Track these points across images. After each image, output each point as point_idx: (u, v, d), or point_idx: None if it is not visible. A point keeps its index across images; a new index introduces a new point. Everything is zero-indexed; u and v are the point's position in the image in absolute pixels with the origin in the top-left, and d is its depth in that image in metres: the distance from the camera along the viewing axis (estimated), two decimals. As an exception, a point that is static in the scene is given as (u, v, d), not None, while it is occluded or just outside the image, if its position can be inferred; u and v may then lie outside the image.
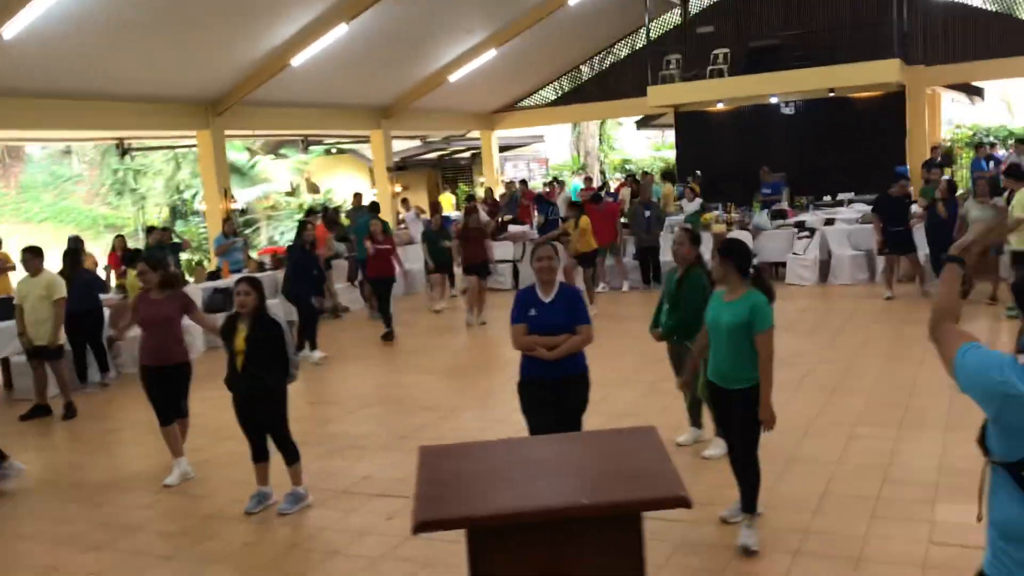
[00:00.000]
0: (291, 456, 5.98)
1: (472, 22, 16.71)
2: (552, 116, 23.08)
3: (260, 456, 6.04)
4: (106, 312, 10.40)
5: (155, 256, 8.52)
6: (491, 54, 17.93)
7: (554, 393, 5.05)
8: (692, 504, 2.86)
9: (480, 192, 22.45)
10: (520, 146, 28.54)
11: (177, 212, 26.23)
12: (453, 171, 28.18)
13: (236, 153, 24.87)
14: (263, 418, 5.91)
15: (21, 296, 8.72)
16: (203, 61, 13.23)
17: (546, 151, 31.22)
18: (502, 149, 25.12)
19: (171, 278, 7.13)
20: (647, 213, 14.18)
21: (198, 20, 11.89)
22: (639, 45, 20.86)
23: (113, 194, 27.74)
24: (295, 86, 14.96)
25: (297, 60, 13.96)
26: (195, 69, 13.38)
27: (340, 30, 13.61)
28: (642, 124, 24.21)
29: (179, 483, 6.64)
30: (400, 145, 23.05)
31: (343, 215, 16.45)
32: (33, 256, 8.78)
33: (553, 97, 22.31)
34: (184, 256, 16.38)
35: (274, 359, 5.81)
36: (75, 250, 10.65)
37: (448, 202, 22.82)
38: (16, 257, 10.05)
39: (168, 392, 6.70)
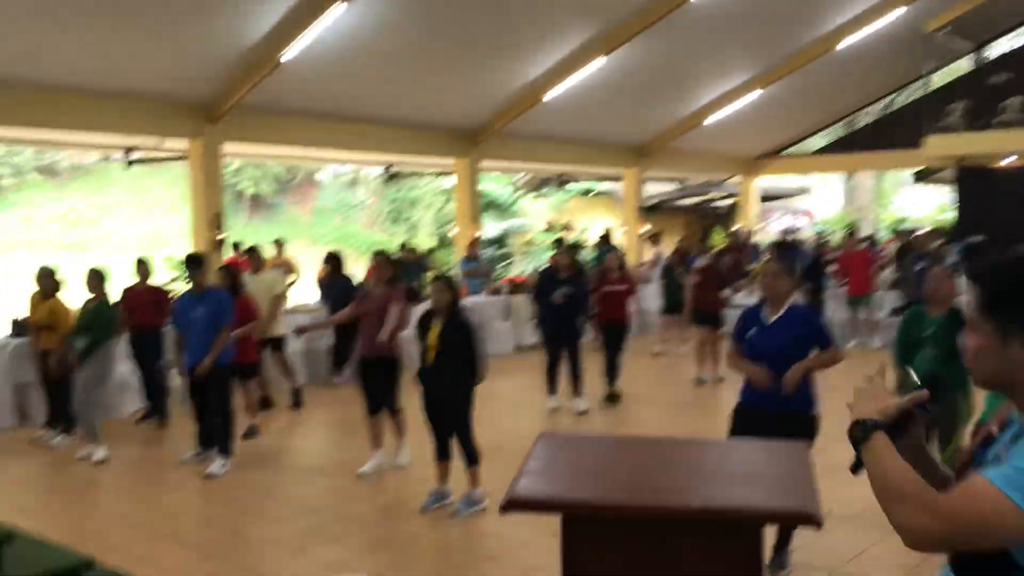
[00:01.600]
0: (471, 458, 5.95)
1: (736, 61, 16.31)
2: (820, 164, 21.95)
3: (442, 455, 6.08)
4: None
5: (388, 254, 8.70)
6: (755, 95, 17.38)
7: (769, 428, 4.32)
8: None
9: (718, 239, 21.65)
10: (784, 196, 27.41)
11: (443, 241, 27.65)
12: (711, 218, 27.54)
13: (499, 188, 25.89)
14: (447, 416, 5.95)
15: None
16: (463, 91, 13.83)
17: (812, 203, 29.79)
18: (764, 199, 24.23)
19: (396, 272, 7.39)
20: (919, 265, 12.76)
21: (459, 50, 12.46)
22: (919, 93, 19.41)
23: (389, 222, 29.77)
24: (550, 120, 15.26)
25: (552, 94, 14.24)
26: (456, 99, 14.01)
27: (598, 63, 13.73)
28: (920, 178, 22.44)
29: (372, 473, 6.82)
30: (656, 188, 22.89)
31: (586, 251, 16.48)
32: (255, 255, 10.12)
33: (821, 144, 21.24)
34: (430, 275, 17.15)
35: (462, 359, 5.85)
36: (338, 259, 11.41)
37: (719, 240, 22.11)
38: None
39: (376, 385, 6.91)
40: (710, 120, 17.81)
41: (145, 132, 11.73)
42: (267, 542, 5.51)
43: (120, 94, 10.75)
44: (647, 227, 19.13)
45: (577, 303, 9.17)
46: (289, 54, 10.74)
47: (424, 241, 28.09)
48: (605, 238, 16.03)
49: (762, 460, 2.95)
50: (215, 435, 7.10)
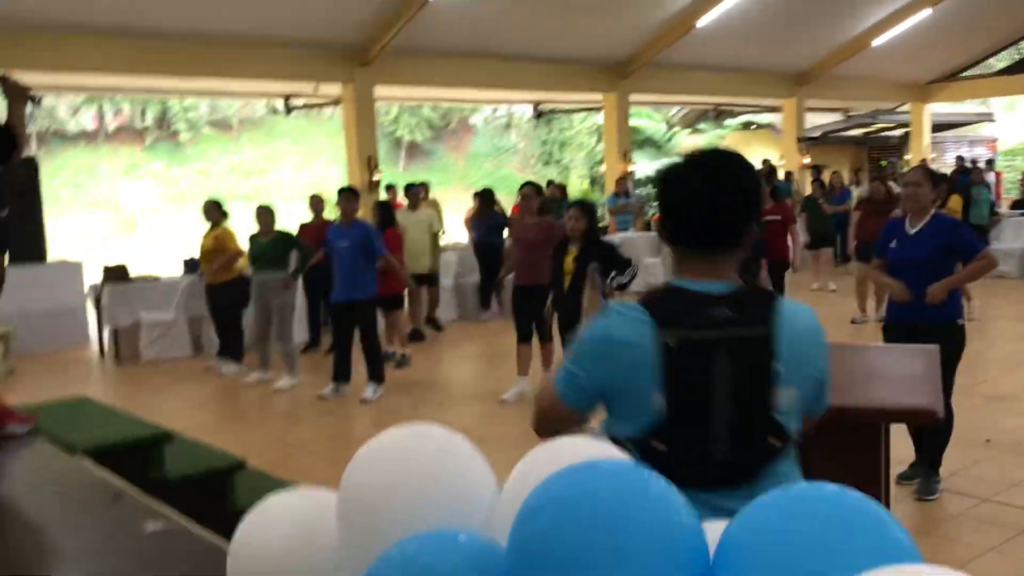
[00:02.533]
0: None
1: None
2: (1003, 87, 20.30)
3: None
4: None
5: (538, 185, 8.65)
6: (925, 14, 16.21)
7: (918, 340, 4.05)
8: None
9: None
10: (962, 124, 25.57)
11: (595, 182, 27.48)
12: (880, 150, 26.06)
13: (655, 125, 25.39)
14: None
15: (402, 227, 9.63)
16: (610, 23, 13.57)
17: (996, 131, 27.65)
18: (938, 128, 22.70)
19: (548, 205, 7.44)
20: None
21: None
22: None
23: (540, 164, 29.81)
24: (702, 48, 14.78)
25: (704, 20, 13.78)
26: (604, 30, 13.77)
27: (751, -12, 13.19)
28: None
29: (514, 400, 6.96)
30: (818, 120, 21.83)
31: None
32: (415, 191, 10.24)
33: (1003, 65, 19.62)
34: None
35: (613, 273, 5.83)
36: (488, 194, 11.62)
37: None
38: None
39: (528, 313, 7.01)
40: (877, 42, 16.77)
41: (301, 78, 12.19)
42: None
43: (277, 42, 11.19)
44: (807, 159, 18.35)
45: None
46: (431, -7, 10.85)
47: (575, 182, 28.03)
48: (769, 173, 15.47)
49: (888, 362, 2.82)
50: (368, 363, 7.39)
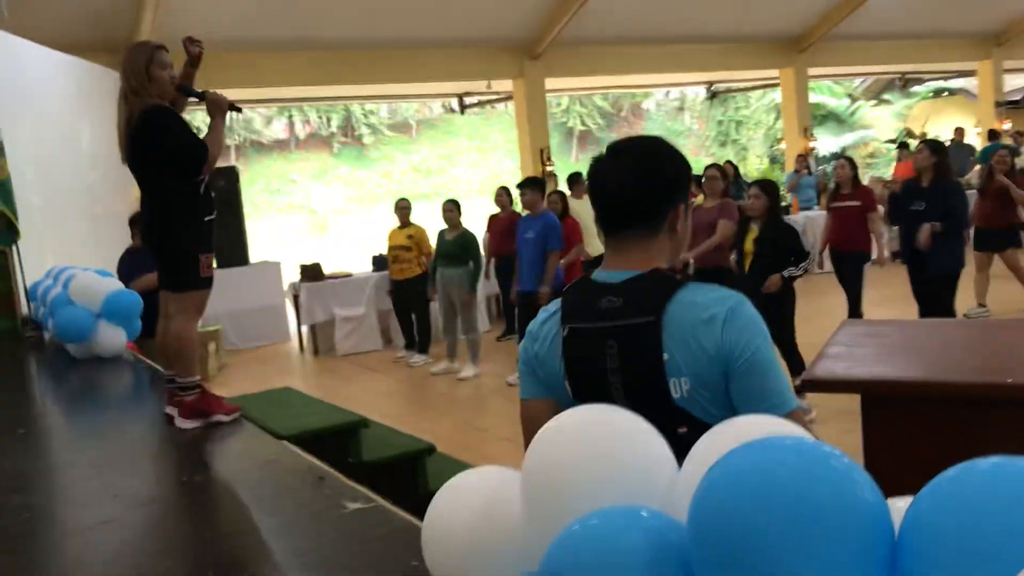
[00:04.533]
0: (793, 365, 5.80)
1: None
2: None
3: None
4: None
5: (721, 166, 8.38)
6: None
7: None
8: None
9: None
10: None
11: (775, 161, 26.61)
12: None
13: (836, 100, 24.34)
14: (769, 322, 5.84)
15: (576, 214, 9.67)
16: (782, -3, 13.15)
17: None
18: None
19: (727, 184, 7.30)
20: None
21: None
22: None
23: (717, 145, 29.17)
24: (884, 15, 14.03)
25: (886, -15, 13.10)
26: (777, 4, 13.35)
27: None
28: None
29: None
30: (1017, 82, 20.22)
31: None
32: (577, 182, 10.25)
33: None
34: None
35: (780, 263, 5.70)
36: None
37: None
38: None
39: None
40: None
41: (474, 77, 12.52)
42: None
43: (449, 43, 11.54)
44: (1008, 125, 17.02)
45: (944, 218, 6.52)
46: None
47: (754, 162, 27.24)
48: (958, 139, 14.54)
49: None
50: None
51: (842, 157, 8.46)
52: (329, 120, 27.92)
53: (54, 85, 8.15)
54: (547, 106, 13.41)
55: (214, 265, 3.99)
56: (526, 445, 1.64)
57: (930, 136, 23.18)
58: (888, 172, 17.64)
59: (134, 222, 6.48)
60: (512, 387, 7.52)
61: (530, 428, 1.71)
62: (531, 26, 11.79)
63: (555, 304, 1.80)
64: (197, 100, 3.88)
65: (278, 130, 27.96)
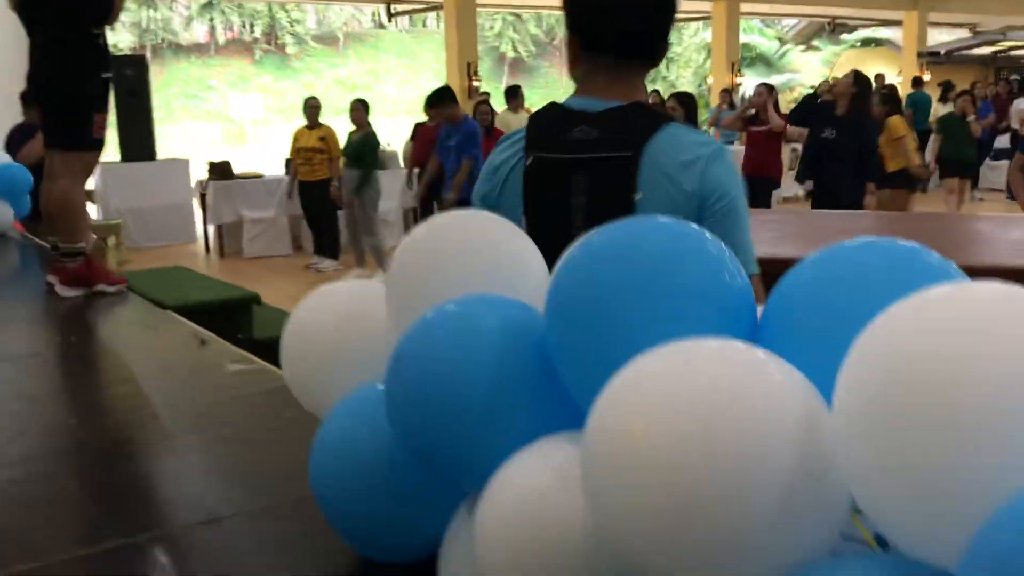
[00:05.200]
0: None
1: None
2: None
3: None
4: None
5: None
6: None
7: None
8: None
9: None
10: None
11: (704, 101, 26.78)
12: (1009, 70, 24.48)
13: (767, 42, 24.49)
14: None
15: (505, 127, 9.60)
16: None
17: None
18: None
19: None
20: None
21: None
22: None
23: (647, 81, 29.16)
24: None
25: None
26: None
27: None
28: None
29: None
30: (944, 36, 20.62)
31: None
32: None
33: None
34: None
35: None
36: None
37: None
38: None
39: None
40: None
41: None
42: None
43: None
44: (928, 76, 17.36)
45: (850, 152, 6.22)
46: None
47: (682, 101, 27.39)
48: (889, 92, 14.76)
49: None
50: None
51: (761, 84, 8.45)
52: (252, 26, 26.92)
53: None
54: (478, 26, 13.12)
55: (107, 126, 3.73)
56: None
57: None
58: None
59: (25, 97, 6.11)
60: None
61: None
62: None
63: (518, 132, 1.64)
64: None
65: (198, 34, 26.85)
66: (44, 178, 3.69)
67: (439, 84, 8.94)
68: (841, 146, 6.13)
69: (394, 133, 12.59)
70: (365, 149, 7.99)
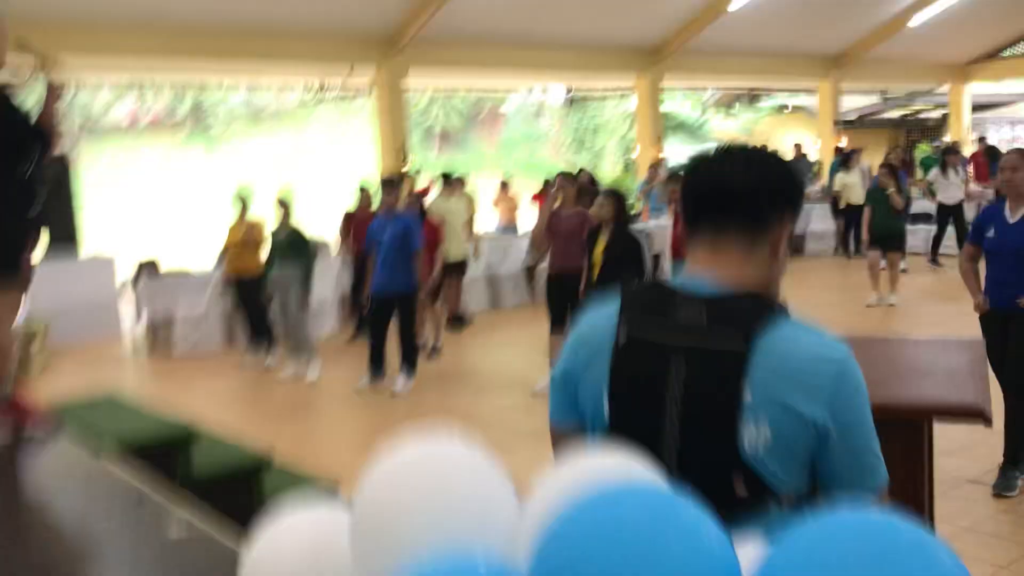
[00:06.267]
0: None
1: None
2: (1045, 66, 19.79)
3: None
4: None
5: (571, 173, 8.32)
6: (964, -8, 15.84)
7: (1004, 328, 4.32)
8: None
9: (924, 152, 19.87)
10: (1001, 104, 24.99)
11: (628, 168, 27.28)
12: (918, 132, 25.58)
13: (688, 110, 25.16)
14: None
15: (439, 214, 9.53)
16: (641, 7, 13.40)
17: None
18: (977, 108, 22.20)
19: (585, 191, 7.27)
20: None
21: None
22: None
23: (573, 150, 29.65)
24: (736, 31, 14.55)
25: (735, 5, 13.57)
26: (635, 15, 13.60)
27: (784, -32, 12.95)
28: None
29: (546, 392, 6.87)
30: (855, 102, 21.46)
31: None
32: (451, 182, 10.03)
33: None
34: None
35: (630, 272, 5.73)
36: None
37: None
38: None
39: (563, 299, 6.89)
40: (914, 22, 16.40)
41: (334, 62, 12.13)
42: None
43: (311, 29, 11.16)
44: (843, 141, 17.98)
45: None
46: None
47: (608, 168, 27.83)
48: (797, 154, 15.30)
49: (934, 357, 2.70)
50: (403, 355, 7.34)
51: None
52: (175, 110, 26.72)
53: None
54: (407, 104, 13.21)
55: (36, 261, 3.61)
56: None
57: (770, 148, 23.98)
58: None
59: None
60: (360, 393, 7.32)
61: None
62: (395, 18, 11.57)
63: (611, 305, 1.50)
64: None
65: (121, 116, 26.50)
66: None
67: (366, 155, 8.96)
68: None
69: (326, 207, 12.47)
70: (299, 242, 7.89)
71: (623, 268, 5.71)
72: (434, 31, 11.73)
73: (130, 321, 9.85)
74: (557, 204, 7.00)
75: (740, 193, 1.46)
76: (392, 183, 7.54)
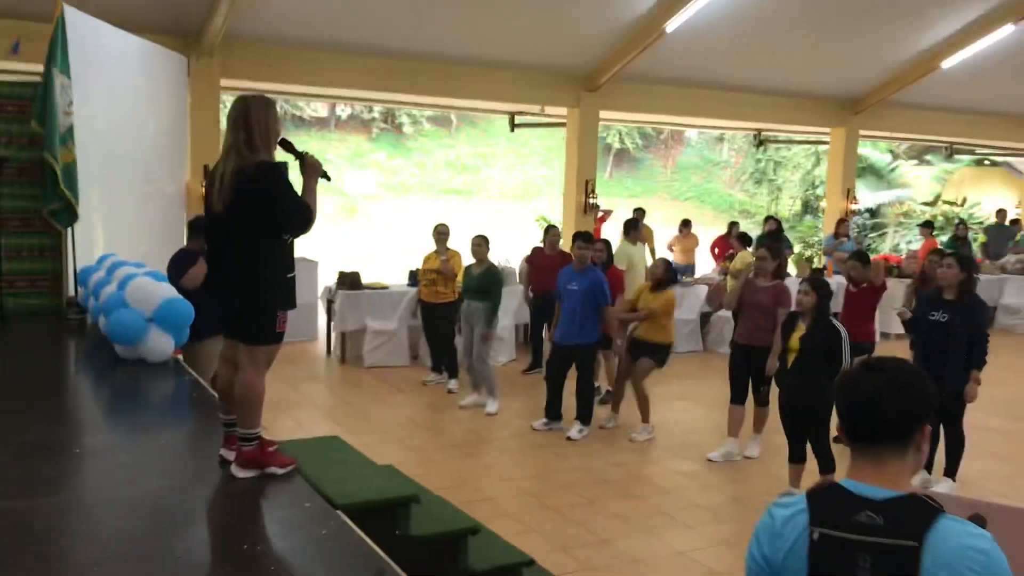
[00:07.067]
0: (825, 465, 5.86)
1: None
2: None
3: (796, 457, 6.05)
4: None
5: (776, 247, 8.31)
6: None
7: None
8: None
9: None
10: None
11: (808, 207, 26.57)
12: None
13: (878, 154, 24.28)
14: (804, 420, 5.90)
15: (626, 260, 9.63)
16: (846, 59, 13.11)
17: None
18: None
19: (781, 270, 7.26)
20: None
21: (846, 18, 11.81)
22: None
23: (752, 182, 29.15)
24: (941, 89, 14.01)
25: (949, 62, 13.06)
26: (837, 67, 13.33)
27: (1005, 31, 12.36)
28: None
29: (721, 461, 6.95)
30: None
31: (980, 233, 15.09)
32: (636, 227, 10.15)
33: None
34: (797, 249, 16.68)
35: (827, 363, 5.71)
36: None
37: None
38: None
39: (747, 375, 6.98)
40: None
41: (529, 101, 12.55)
42: (619, 517, 5.86)
43: (511, 65, 11.58)
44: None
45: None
46: (673, 25, 10.84)
47: (787, 204, 27.19)
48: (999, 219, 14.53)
49: None
50: (581, 404, 7.57)
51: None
52: (371, 106, 27.99)
53: (126, 67, 8.21)
54: (597, 143, 13.45)
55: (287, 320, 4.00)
56: None
57: (962, 205, 22.85)
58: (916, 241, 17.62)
59: (196, 227, 6.56)
60: (536, 432, 7.59)
61: None
62: (593, 59, 11.82)
63: (796, 502, 1.87)
64: (295, 159, 3.93)
65: (320, 108, 28.03)
66: (223, 362, 3.98)
67: (546, 171, 9.18)
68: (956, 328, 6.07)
69: (500, 212, 12.80)
70: (490, 283, 8.23)
71: (823, 358, 5.72)
72: (630, 72, 11.90)
73: (325, 326, 10.52)
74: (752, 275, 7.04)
75: (892, 422, 1.80)
76: (587, 238, 7.76)
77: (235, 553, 3.22)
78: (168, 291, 5.92)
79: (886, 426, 1.81)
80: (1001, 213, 15.32)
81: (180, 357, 6.10)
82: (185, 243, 7.02)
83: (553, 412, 7.69)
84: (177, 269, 6.46)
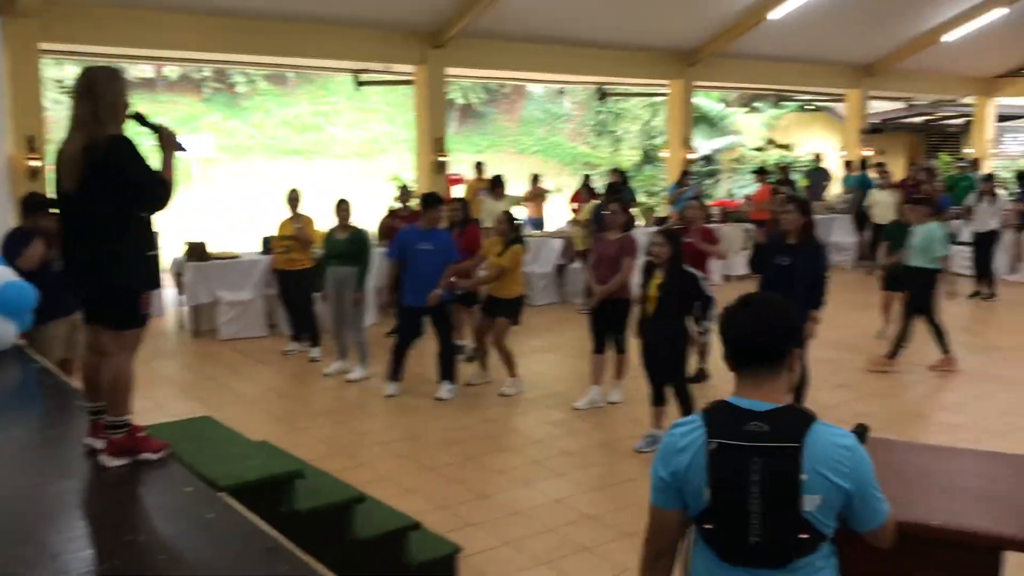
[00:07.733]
0: (686, 405, 6.15)
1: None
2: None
3: (657, 400, 6.32)
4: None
5: (624, 199, 8.40)
6: (998, 13, 15.91)
7: None
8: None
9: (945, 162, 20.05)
10: (1022, 116, 25.08)
11: (648, 157, 27.36)
12: (938, 138, 25.70)
13: (711, 103, 25.22)
14: (664, 363, 6.17)
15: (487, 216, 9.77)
16: (680, 13, 13.53)
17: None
18: (1002, 119, 22.34)
19: (630, 219, 7.51)
20: None
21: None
22: None
23: (594, 135, 29.73)
24: (771, 40, 14.69)
25: (777, 12, 13.68)
26: (672, 20, 13.73)
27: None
28: None
29: (587, 408, 7.19)
30: (879, 106, 21.57)
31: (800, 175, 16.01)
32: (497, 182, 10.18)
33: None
34: (641, 199, 17.23)
35: (683, 308, 6.00)
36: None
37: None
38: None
39: (606, 325, 7.21)
40: (947, 38, 16.52)
41: (375, 59, 12.33)
42: (495, 471, 5.98)
43: (354, 23, 11.32)
44: (869, 152, 18.11)
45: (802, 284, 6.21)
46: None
47: (628, 155, 27.90)
48: (816, 163, 15.50)
49: (1002, 476, 2.98)
50: (442, 364, 7.62)
51: (694, 199, 9.02)
52: (201, 67, 26.72)
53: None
54: (445, 98, 13.38)
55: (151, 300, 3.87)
56: (650, 546, 2.25)
57: (791, 150, 24.24)
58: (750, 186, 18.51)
59: (32, 206, 6.15)
60: (406, 395, 7.60)
61: (662, 536, 2.24)
62: (438, 17, 11.72)
63: (691, 420, 2.18)
64: (149, 132, 3.76)
65: (146, 68, 26.51)
66: (88, 350, 3.82)
67: (389, 128, 9.12)
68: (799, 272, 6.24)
69: (345, 172, 12.49)
70: (359, 247, 8.12)
71: (680, 304, 5.99)
72: (475, 29, 11.89)
73: (175, 300, 10.12)
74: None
75: (768, 346, 2.15)
76: (437, 201, 7.74)
77: (118, 545, 3.11)
78: (6, 275, 5.56)
79: (762, 350, 2.15)
80: (817, 156, 16.32)
81: (23, 343, 5.77)
82: (18, 222, 6.58)
83: (396, 375, 7.67)
84: (13, 249, 6.05)
